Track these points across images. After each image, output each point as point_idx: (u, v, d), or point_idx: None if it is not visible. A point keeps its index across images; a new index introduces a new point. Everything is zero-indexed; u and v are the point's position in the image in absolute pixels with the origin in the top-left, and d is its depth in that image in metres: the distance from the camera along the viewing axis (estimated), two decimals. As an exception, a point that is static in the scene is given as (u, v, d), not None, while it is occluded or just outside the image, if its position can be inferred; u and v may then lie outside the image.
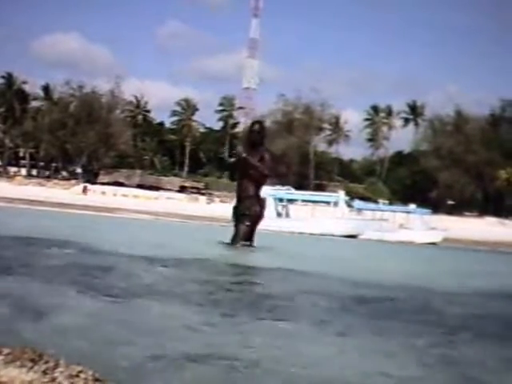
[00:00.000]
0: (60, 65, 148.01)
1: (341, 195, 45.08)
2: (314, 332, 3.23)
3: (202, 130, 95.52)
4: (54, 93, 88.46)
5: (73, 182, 78.02)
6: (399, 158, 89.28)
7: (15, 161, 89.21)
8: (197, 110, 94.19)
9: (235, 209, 8.54)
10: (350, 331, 3.30)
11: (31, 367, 1.78)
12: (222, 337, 2.95)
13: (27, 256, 5.50)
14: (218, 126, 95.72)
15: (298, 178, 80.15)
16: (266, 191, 45.73)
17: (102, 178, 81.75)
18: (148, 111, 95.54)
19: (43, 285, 4.03)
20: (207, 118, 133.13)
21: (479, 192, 78.78)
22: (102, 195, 67.31)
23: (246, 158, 8.32)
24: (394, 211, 47.07)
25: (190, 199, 69.92)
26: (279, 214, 43.42)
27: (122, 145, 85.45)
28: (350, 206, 45.10)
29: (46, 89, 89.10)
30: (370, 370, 2.49)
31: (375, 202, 53.15)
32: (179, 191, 77.37)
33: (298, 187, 56.33)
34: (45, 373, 1.77)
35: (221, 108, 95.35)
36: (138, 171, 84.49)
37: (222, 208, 40.17)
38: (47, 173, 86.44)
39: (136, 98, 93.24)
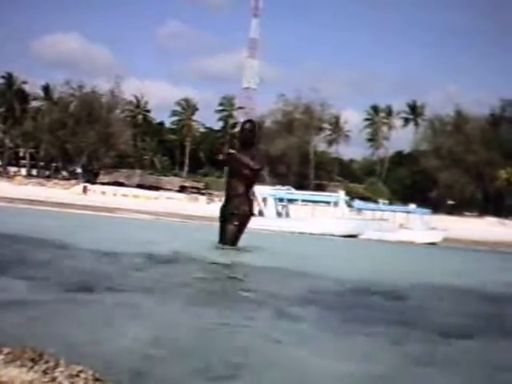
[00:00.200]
0: (60, 65, 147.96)
1: (341, 195, 45.08)
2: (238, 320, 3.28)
3: (202, 129, 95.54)
4: (54, 93, 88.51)
5: (73, 181, 78.03)
6: (399, 158, 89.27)
7: (15, 161, 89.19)
8: (197, 109, 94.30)
9: (223, 208, 8.46)
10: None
11: (31, 367, 1.78)
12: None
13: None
14: (218, 125, 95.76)
15: (298, 177, 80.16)
16: (267, 191, 46.08)
17: (102, 177, 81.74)
18: (148, 111, 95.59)
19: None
20: (207, 118, 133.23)
21: (479, 192, 78.76)
22: (102, 195, 67.34)
23: (235, 154, 8.27)
24: (394, 211, 47.07)
25: (190, 199, 69.95)
26: (279, 214, 43.44)
27: (121, 145, 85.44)
28: (350, 205, 45.11)
29: (46, 89, 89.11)
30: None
31: (375, 201, 53.13)
32: (179, 191, 77.38)
33: (298, 187, 56.31)
34: (45, 372, 1.77)
35: (221, 108, 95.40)
36: (138, 171, 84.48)
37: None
38: (47, 173, 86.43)
39: (136, 97, 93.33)
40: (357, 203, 47.12)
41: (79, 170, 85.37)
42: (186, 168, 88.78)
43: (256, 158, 8.28)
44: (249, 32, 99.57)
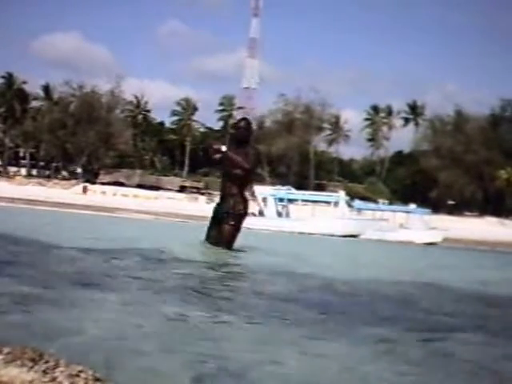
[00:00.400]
0: (60, 65, 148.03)
1: (341, 195, 45.12)
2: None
3: (202, 129, 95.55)
4: (54, 93, 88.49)
5: (73, 181, 78.06)
6: (399, 158, 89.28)
7: (15, 161, 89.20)
8: (196, 109, 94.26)
9: (218, 207, 8.42)
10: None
11: (31, 367, 1.78)
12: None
13: None
14: (218, 125, 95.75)
15: (298, 177, 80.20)
16: (267, 191, 46.08)
17: (102, 177, 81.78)
18: (148, 111, 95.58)
19: None
20: (207, 118, 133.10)
21: (479, 192, 78.74)
22: (102, 195, 67.38)
23: (226, 152, 8.24)
24: (394, 211, 47.10)
25: (190, 199, 69.96)
26: (279, 214, 43.48)
27: (122, 144, 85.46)
28: (350, 205, 45.13)
29: (46, 89, 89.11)
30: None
31: (375, 201, 53.17)
32: (179, 191, 77.41)
33: (299, 187, 56.33)
34: (45, 372, 1.77)
35: (221, 108, 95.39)
36: (138, 171, 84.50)
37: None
38: (47, 172, 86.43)
39: (136, 97, 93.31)
40: (357, 203, 47.16)
41: (79, 170, 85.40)
42: (186, 168, 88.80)
43: (249, 157, 8.25)
44: (249, 32, 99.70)
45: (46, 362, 1.82)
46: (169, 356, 2.37)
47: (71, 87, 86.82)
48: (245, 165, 8.08)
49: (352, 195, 53.63)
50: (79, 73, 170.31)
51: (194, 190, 77.71)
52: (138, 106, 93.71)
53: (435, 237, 41.31)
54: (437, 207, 62.53)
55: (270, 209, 42.99)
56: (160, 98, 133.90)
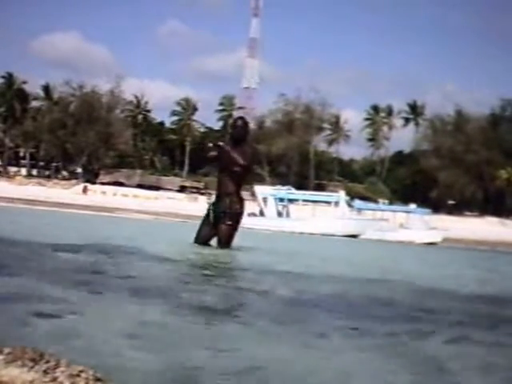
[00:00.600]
0: (59, 64, 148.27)
1: (341, 195, 45.15)
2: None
3: (202, 129, 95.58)
4: (54, 93, 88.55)
5: (73, 181, 78.10)
6: (399, 158, 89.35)
7: (15, 161, 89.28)
8: (196, 109, 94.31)
9: (214, 207, 8.37)
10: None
11: (32, 367, 1.78)
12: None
13: None
14: (218, 125, 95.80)
15: (299, 177, 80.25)
16: (267, 191, 46.09)
17: (103, 177, 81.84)
18: (148, 111, 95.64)
19: None
20: (207, 118, 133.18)
21: (480, 192, 78.80)
22: (102, 195, 67.43)
23: (222, 147, 8.23)
24: (395, 211, 47.14)
25: (190, 199, 70.00)
26: (280, 214, 43.50)
27: (122, 144, 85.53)
28: (350, 205, 45.16)
29: (46, 89, 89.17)
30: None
31: (375, 201, 53.22)
32: (179, 191, 77.47)
33: (299, 187, 56.38)
34: (46, 372, 1.77)
35: (221, 108, 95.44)
36: (138, 171, 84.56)
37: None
38: (47, 172, 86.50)
39: (136, 97, 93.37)
40: (357, 203, 47.20)
41: (79, 170, 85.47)
42: (186, 168, 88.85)
43: (247, 155, 8.25)
44: (249, 32, 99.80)
45: (47, 362, 1.82)
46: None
47: (71, 87, 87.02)
48: (241, 161, 8.08)
49: (352, 195, 53.70)
50: (79, 73, 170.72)
51: (194, 190, 77.75)
52: (138, 105, 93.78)
53: (435, 237, 41.35)
54: (437, 207, 62.60)
55: (271, 209, 43.02)
56: (160, 98, 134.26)
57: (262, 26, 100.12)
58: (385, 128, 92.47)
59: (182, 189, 79.22)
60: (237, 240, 8.36)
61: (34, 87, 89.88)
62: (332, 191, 56.27)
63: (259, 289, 4.54)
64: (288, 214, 44.03)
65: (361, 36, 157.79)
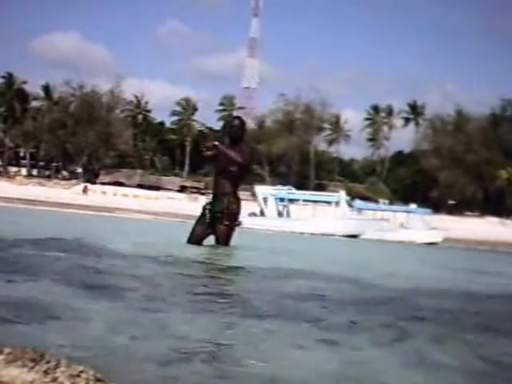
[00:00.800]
0: (59, 64, 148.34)
1: (342, 195, 45.14)
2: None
3: (202, 129, 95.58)
4: (54, 93, 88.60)
5: (73, 181, 78.11)
6: (400, 158, 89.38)
7: (16, 161, 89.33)
8: (196, 109, 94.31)
9: (210, 206, 8.35)
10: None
11: (32, 367, 1.77)
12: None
13: None
14: (218, 125, 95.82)
15: (299, 177, 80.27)
16: (267, 191, 46.10)
17: (103, 177, 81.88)
18: (148, 111, 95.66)
19: None
20: (207, 118, 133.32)
21: (480, 192, 78.83)
22: (102, 195, 67.42)
23: (218, 146, 8.23)
24: (395, 211, 47.14)
25: (190, 199, 69.99)
26: (280, 214, 43.51)
27: (122, 144, 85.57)
28: (350, 205, 45.16)
29: (46, 89, 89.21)
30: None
31: (376, 201, 53.22)
32: (180, 191, 77.50)
33: (299, 187, 56.38)
34: (46, 373, 1.76)
35: (221, 108, 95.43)
36: (139, 171, 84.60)
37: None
38: (47, 172, 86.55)
39: (136, 97, 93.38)
40: (357, 203, 47.20)
41: (79, 170, 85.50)
42: (186, 168, 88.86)
43: (244, 154, 8.24)
44: (249, 32, 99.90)
45: (47, 362, 1.82)
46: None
47: (71, 87, 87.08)
48: (238, 159, 8.07)
49: (352, 195, 53.73)
50: (79, 73, 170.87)
51: (195, 190, 77.75)
52: (138, 105, 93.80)
53: (436, 237, 41.34)
54: (437, 207, 62.63)
55: (271, 209, 43.02)
56: (160, 97, 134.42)
57: (262, 25, 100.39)
58: (385, 128, 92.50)
59: (183, 189, 79.25)
60: (237, 240, 8.38)
61: (34, 87, 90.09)
62: (332, 191, 56.30)
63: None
64: (288, 214, 44.04)
65: (361, 36, 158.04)
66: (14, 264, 4.55)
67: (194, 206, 60.30)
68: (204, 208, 8.36)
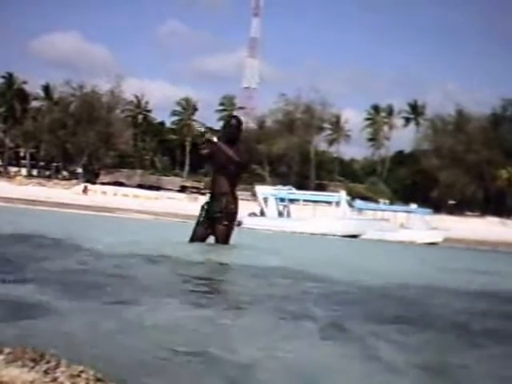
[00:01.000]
0: (60, 65, 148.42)
1: (342, 195, 45.12)
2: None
3: (202, 129, 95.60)
4: (55, 93, 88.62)
5: (73, 181, 78.11)
6: (400, 158, 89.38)
7: (16, 161, 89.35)
8: (197, 109, 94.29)
9: (209, 206, 8.36)
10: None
11: (32, 367, 1.77)
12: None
13: None
14: (218, 125, 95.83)
15: (299, 177, 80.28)
16: (268, 191, 46.09)
17: (103, 177, 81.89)
18: (148, 111, 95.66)
19: None
20: (207, 118, 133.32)
21: (480, 192, 78.84)
22: (102, 195, 67.42)
23: (217, 143, 8.23)
24: (395, 211, 47.11)
25: (190, 199, 70.00)
26: (280, 214, 43.50)
27: (122, 144, 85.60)
28: (351, 205, 45.14)
29: (47, 89, 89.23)
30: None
31: (376, 201, 53.19)
32: (180, 191, 77.50)
33: (299, 187, 56.37)
34: (46, 373, 1.77)
35: (221, 108, 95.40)
36: (139, 171, 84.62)
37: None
38: (48, 173, 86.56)
39: (136, 97, 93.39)
40: (358, 203, 47.17)
41: (80, 170, 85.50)
42: (186, 168, 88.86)
43: (241, 153, 8.26)
44: (249, 31, 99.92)
45: (47, 362, 1.82)
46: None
47: (71, 87, 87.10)
48: (236, 157, 8.09)
49: (353, 195, 53.71)
50: (79, 73, 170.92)
51: (195, 190, 77.77)
52: (138, 105, 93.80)
53: (436, 237, 41.32)
54: (438, 207, 62.61)
55: (271, 209, 43.01)
56: (160, 97, 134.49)
57: (263, 25, 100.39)
58: (385, 128, 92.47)
59: (183, 189, 79.26)
60: (236, 239, 8.39)
61: (34, 87, 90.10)
62: (333, 191, 56.29)
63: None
64: (289, 214, 44.03)
65: (361, 35, 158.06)
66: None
67: (194, 206, 60.40)
68: (202, 208, 8.38)
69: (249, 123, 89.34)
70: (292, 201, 45.69)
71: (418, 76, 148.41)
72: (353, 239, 34.22)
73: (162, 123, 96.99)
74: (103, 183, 77.70)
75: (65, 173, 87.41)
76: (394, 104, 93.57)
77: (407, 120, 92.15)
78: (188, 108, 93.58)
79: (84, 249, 6.23)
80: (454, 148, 79.43)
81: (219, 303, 3.65)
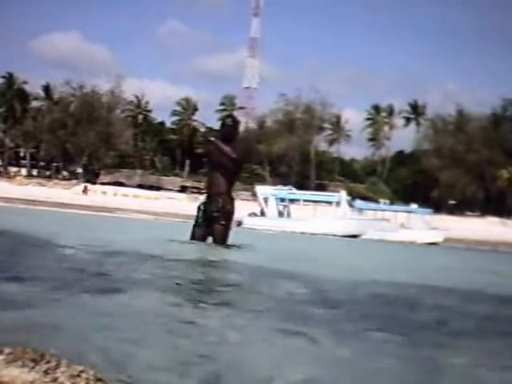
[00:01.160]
0: (60, 65, 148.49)
1: (342, 195, 45.11)
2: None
3: (202, 129, 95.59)
4: (55, 93, 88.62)
5: (73, 181, 78.11)
6: (400, 158, 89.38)
7: (16, 161, 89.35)
8: (197, 109, 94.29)
9: (206, 206, 8.37)
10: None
11: (33, 367, 1.76)
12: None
13: None
14: (218, 125, 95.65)
15: (300, 177, 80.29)
16: (268, 191, 46.08)
17: (103, 177, 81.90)
18: (149, 111, 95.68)
19: None
20: (207, 118, 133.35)
21: (481, 192, 78.84)
22: (102, 195, 67.41)
23: (214, 141, 8.27)
24: (396, 211, 47.11)
25: (190, 199, 70.01)
26: (281, 214, 43.50)
27: (122, 144, 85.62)
28: (351, 205, 45.12)
29: (47, 89, 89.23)
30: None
31: (376, 201, 53.18)
32: (180, 191, 77.50)
33: (300, 187, 56.37)
34: (46, 373, 1.76)
35: (222, 108, 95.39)
36: (139, 171, 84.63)
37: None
38: (48, 173, 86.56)
39: (136, 97, 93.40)
40: (358, 203, 47.15)
41: (80, 170, 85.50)
42: (186, 168, 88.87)
43: (238, 150, 8.30)
44: (249, 31, 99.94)
45: (48, 362, 1.81)
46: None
47: (71, 87, 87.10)
48: (232, 154, 8.11)
49: (353, 195, 53.68)
50: (79, 73, 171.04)
51: (195, 190, 77.76)
52: (138, 105, 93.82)
53: (436, 237, 41.29)
54: (438, 207, 62.60)
55: (272, 209, 43.01)
56: (160, 97, 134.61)
57: (263, 25, 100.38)
58: (386, 128, 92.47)
59: (183, 189, 79.26)
60: (234, 239, 8.43)
61: (34, 87, 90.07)
62: (333, 191, 56.29)
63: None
64: (289, 214, 44.02)
65: (361, 35, 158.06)
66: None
67: (194, 206, 60.35)
68: (199, 209, 8.40)
69: (249, 123, 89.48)
70: (292, 201, 45.68)
71: (419, 76, 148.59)
72: (353, 239, 34.21)
73: (162, 123, 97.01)
74: (103, 183, 77.70)
75: (65, 173, 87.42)
76: (394, 104, 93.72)
77: (408, 120, 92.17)
78: (188, 108, 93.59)
79: (72, 247, 6.29)
80: (454, 148, 79.43)
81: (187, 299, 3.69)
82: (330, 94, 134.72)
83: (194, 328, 2.86)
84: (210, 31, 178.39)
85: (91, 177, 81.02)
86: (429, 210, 47.76)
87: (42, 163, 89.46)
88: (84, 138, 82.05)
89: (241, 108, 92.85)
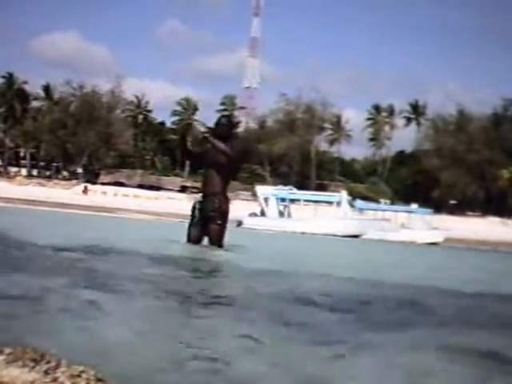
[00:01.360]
0: (60, 64, 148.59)
1: (343, 195, 45.11)
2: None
3: (202, 129, 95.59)
4: (55, 93, 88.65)
5: (73, 181, 78.13)
6: (401, 158, 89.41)
7: (16, 161, 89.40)
8: (197, 109, 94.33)
9: (201, 206, 8.35)
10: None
11: (33, 367, 1.76)
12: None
13: None
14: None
15: (300, 177, 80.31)
16: (269, 191, 46.07)
17: (103, 177, 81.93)
18: (149, 111, 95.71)
19: None
20: (208, 118, 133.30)
21: (481, 192, 78.85)
22: (102, 195, 67.42)
23: (209, 139, 8.28)
24: (396, 211, 47.11)
25: (191, 199, 70.00)
26: (281, 214, 43.49)
27: (122, 144, 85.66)
28: (351, 205, 45.12)
29: (47, 89, 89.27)
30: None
31: (377, 201, 53.18)
32: (180, 191, 77.51)
33: (300, 187, 56.36)
34: (46, 373, 1.76)
35: (222, 107, 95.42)
36: (139, 171, 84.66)
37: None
38: (48, 173, 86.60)
39: (137, 97, 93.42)
40: (358, 203, 47.15)
41: (80, 170, 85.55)
42: (186, 168, 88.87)
43: (233, 149, 8.30)
44: (249, 31, 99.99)
45: (48, 362, 1.81)
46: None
47: (71, 87, 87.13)
48: (228, 151, 8.12)
49: (354, 195, 53.69)
50: (79, 73, 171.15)
51: (195, 190, 77.72)
52: (138, 105, 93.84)
53: (437, 237, 41.30)
54: (439, 207, 62.62)
55: (272, 209, 43.00)
56: (160, 97, 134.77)
57: (263, 25, 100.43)
58: (386, 128, 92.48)
59: (183, 189, 79.26)
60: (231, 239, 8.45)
61: (34, 87, 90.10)
62: (333, 191, 56.29)
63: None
64: (289, 214, 44.02)
65: (361, 35, 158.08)
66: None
67: (194, 206, 60.42)
68: (194, 208, 8.38)
69: (249, 123, 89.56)
70: (293, 201, 45.67)
71: (419, 76, 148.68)
72: (354, 239, 34.21)
73: (162, 123, 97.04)
74: (103, 183, 77.72)
75: (65, 173, 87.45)
76: (394, 104, 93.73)
77: (408, 120, 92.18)
78: (188, 108, 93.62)
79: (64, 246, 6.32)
80: (455, 148, 79.44)
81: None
82: (330, 94, 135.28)
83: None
84: (211, 31, 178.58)
85: (91, 177, 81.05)
86: (429, 210, 47.76)
87: (42, 163, 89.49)
88: (84, 138, 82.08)
89: (241, 108, 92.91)
